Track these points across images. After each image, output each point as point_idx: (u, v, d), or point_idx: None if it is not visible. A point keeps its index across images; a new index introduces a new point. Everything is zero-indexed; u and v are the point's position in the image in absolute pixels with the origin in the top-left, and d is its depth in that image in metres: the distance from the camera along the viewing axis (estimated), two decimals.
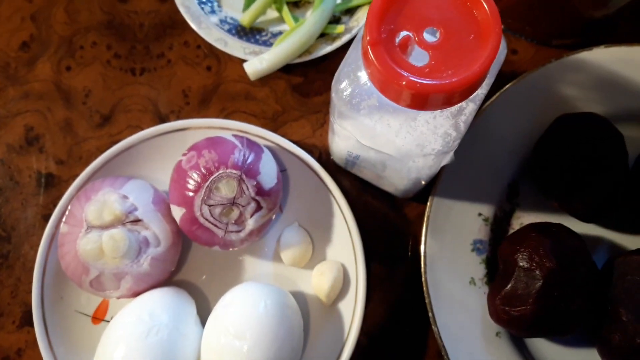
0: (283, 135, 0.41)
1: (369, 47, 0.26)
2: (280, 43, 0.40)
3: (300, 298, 0.38)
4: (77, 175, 0.40)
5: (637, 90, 0.39)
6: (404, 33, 0.26)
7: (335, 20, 0.42)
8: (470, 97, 0.28)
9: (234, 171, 0.34)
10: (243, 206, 0.34)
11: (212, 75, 0.43)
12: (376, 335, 0.39)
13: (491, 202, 0.39)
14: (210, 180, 0.33)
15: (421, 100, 0.26)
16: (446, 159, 0.31)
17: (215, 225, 0.34)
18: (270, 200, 0.35)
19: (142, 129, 0.42)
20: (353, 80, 0.29)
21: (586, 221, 0.38)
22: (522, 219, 0.40)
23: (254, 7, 0.41)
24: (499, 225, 0.39)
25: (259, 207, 0.34)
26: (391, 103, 0.27)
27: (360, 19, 0.41)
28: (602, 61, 0.39)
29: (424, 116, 0.29)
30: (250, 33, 0.42)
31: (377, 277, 0.40)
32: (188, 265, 0.39)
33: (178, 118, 0.43)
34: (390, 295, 0.40)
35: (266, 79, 0.43)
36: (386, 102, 0.28)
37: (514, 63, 0.43)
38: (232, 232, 0.34)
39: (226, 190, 0.33)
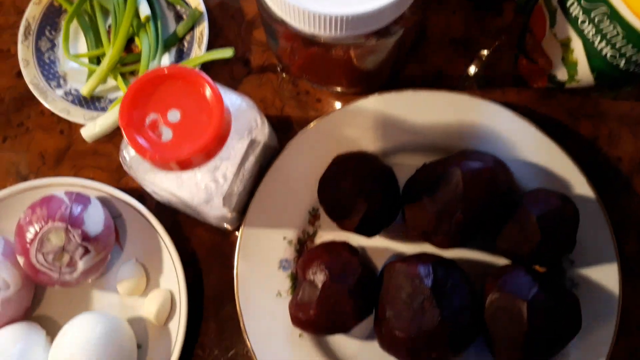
0: (125, 184, 0.49)
1: (122, 128, 0.34)
2: (112, 109, 0.48)
3: (138, 321, 0.46)
4: None
5: (405, 127, 0.48)
6: (152, 115, 0.35)
7: None
8: (225, 156, 0.37)
9: (60, 223, 0.41)
10: (72, 251, 0.42)
11: (65, 138, 0.51)
12: (211, 345, 0.47)
13: (294, 226, 0.47)
14: (41, 232, 0.41)
15: (165, 166, 0.35)
16: (218, 209, 0.39)
17: (50, 269, 0.42)
18: (98, 244, 0.43)
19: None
20: (130, 150, 0.37)
21: (367, 235, 0.46)
22: (323, 238, 0.48)
23: (92, 80, 0.49)
24: (302, 245, 0.48)
25: (87, 251, 0.42)
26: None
27: None
28: (377, 106, 0.48)
29: (187, 174, 0.37)
30: (90, 102, 0.50)
31: (210, 298, 0.48)
32: (45, 301, 0.47)
33: (37, 177, 0.50)
34: (222, 312, 0.48)
35: (111, 136, 0.50)
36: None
37: (318, 110, 0.52)
38: (65, 273, 0.42)
39: (56, 239, 0.41)
